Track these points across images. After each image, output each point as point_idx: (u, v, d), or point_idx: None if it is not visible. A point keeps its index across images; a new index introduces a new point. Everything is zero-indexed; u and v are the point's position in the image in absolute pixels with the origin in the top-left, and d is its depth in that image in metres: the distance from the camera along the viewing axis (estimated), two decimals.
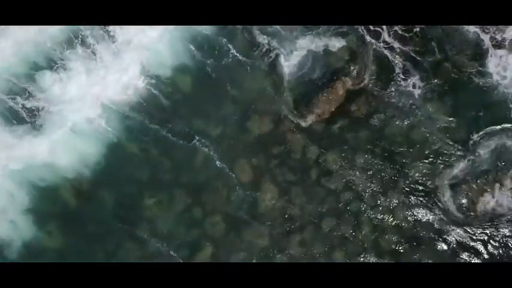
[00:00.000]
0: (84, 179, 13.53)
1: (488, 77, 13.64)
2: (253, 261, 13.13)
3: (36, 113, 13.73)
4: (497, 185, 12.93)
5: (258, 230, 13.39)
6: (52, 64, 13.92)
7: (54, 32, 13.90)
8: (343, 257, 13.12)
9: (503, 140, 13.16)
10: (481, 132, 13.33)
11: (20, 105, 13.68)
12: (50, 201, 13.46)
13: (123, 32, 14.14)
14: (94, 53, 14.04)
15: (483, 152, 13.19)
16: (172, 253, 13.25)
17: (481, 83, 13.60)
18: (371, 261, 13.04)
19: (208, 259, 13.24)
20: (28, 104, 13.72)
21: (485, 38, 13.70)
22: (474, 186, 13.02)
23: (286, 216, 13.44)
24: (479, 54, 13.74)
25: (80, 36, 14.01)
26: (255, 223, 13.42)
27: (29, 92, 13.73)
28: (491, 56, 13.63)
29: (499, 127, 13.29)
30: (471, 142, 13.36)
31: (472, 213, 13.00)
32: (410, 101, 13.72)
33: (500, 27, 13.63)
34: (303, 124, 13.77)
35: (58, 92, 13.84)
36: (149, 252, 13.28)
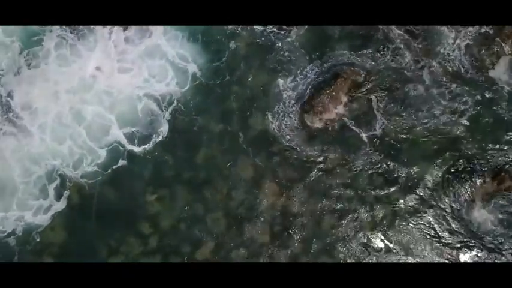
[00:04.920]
0: (88, 176, 13.60)
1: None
2: (253, 259, 13.25)
3: None
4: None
5: (258, 226, 13.44)
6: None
7: None
8: (343, 255, 13.24)
9: None
10: None
11: None
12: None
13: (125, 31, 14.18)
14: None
15: None
16: (173, 249, 13.37)
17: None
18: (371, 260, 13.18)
19: (209, 255, 13.34)
20: None
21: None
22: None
23: (287, 213, 13.48)
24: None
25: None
26: (256, 220, 13.47)
27: None
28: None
29: None
30: None
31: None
32: (420, 98, 13.73)
33: None
34: (306, 121, 13.75)
35: None
36: (151, 248, 13.37)
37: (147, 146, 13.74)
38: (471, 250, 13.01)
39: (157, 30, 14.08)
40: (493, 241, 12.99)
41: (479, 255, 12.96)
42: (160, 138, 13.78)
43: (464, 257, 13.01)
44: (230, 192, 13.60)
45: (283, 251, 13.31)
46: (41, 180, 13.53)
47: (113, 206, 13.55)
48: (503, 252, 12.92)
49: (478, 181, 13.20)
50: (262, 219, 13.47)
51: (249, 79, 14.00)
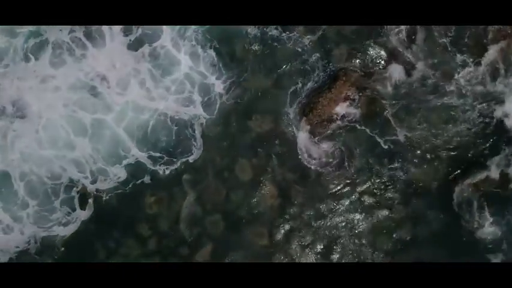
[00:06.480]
0: (86, 177, 13.58)
1: None
2: (253, 261, 13.21)
3: None
4: None
5: (257, 229, 13.44)
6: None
7: None
8: (343, 257, 13.27)
9: None
10: None
11: None
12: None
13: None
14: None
15: None
16: (172, 251, 13.37)
17: None
18: (371, 261, 13.19)
19: (207, 257, 13.34)
20: None
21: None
22: None
23: (286, 215, 13.49)
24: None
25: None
26: (255, 222, 13.45)
27: None
28: None
29: None
30: None
31: None
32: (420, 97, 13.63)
33: None
34: (305, 123, 13.68)
35: None
36: (150, 250, 13.39)
37: (173, 167, 13.66)
38: (472, 250, 13.07)
39: (167, 35, 13.87)
40: (493, 241, 13.07)
41: (479, 255, 13.00)
42: (189, 159, 13.68)
43: (464, 258, 12.97)
44: (229, 194, 13.60)
45: (282, 253, 13.31)
46: (50, 186, 13.56)
47: (111, 207, 13.52)
48: (503, 253, 13.01)
49: (481, 183, 13.22)
50: (261, 221, 13.46)
51: (250, 81, 13.93)
